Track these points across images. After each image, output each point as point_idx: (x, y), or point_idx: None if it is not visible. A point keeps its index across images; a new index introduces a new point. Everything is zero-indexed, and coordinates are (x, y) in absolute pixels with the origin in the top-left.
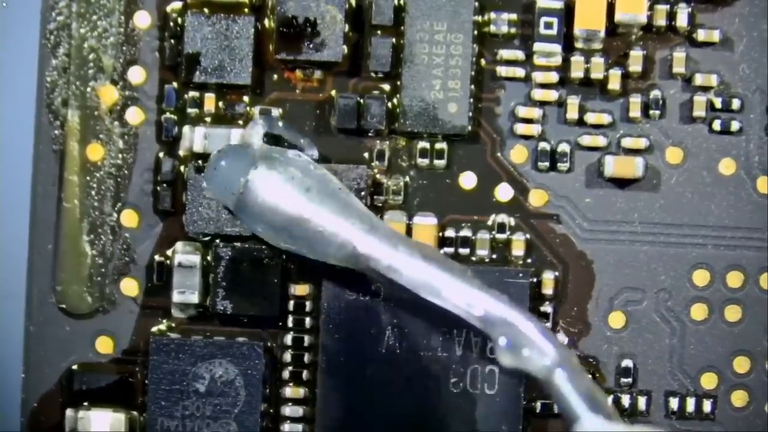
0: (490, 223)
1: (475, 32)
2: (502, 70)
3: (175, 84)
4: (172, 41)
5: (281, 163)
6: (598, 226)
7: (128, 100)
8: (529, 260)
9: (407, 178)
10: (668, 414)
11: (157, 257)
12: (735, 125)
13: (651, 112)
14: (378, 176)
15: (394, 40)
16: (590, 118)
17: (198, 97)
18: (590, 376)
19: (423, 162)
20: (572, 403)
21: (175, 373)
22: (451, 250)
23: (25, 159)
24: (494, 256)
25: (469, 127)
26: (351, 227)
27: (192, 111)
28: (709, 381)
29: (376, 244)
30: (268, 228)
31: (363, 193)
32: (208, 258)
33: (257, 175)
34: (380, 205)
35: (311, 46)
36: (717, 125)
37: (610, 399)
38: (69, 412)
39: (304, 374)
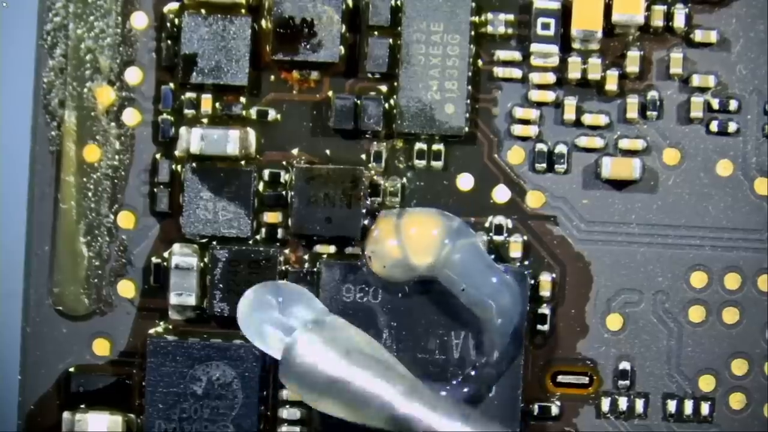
0: (487, 224)
1: (472, 33)
2: (499, 71)
3: (171, 85)
4: (169, 42)
5: (321, 326)
6: (596, 227)
7: (125, 101)
8: (526, 262)
9: (404, 180)
10: (666, 416)
11: (154, 259)
12: (732, 126)
13: (648, 113)
14: (375, 178)
15: (391, 40)
16: (587, 119)
17: (195, 98)
18: None
19: (420, 163)
20: None
21: (172, 376)
22: None
23: (22, 160)
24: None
25: (466, 128)
26: (391, 390)
27: (189, 112)
28: (707, 383)
29: (415, 407)
30: (309, 390)
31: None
32: (205, 260)
33: (298, 339)
34: (377, 206)
35: (308, 46)
36: (714, 126)
37: (608, 401)
38: (66, 414)
39: None
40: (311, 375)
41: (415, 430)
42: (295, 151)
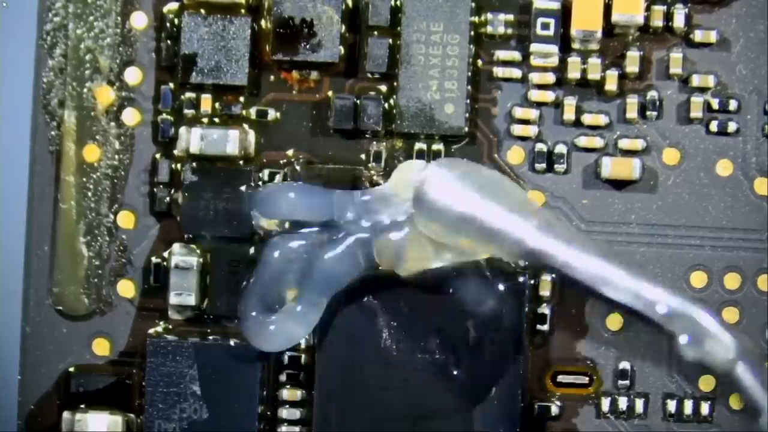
0: None
1: (472, 33)
2: (499, 71)
3: (171, 85)
4: (169, 42)
5: (453, 163)
6: (596, 227)
7: (125, 101)
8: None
9: None
10: (666, 416)
11: (153, 259)
12: (732, 126)
13: (648, 113)
14: (375, 177)
15: (390, 40)
16: (587, 119)
17: (194, 97)
18: None
19: None
20: (756, 396)
21: (172, 376)
22: None
23: (22, 160)
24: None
25: (466, 128)
26: (525, 224)
27: (188, 112)
28: (706, 383)
29: (549, 242)
30: (442, 226)
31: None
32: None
33: (431, 173)
34: None
35: (308, 46)
36: (714, 126)
37: (608, 401)
38: (66, 414)
39: (301, 376)
40: (445, 211)
41: (550, 264)
42: (292, 152)
